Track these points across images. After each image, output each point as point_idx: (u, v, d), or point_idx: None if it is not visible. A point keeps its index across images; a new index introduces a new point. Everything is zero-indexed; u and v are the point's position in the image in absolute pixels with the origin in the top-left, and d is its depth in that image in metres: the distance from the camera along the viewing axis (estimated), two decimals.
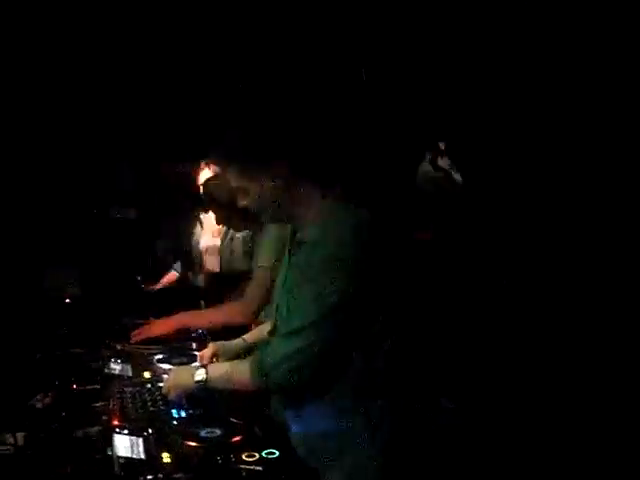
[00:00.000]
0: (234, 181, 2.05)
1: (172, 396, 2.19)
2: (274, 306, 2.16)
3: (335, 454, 1.97)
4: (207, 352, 2.37)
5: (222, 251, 3.85)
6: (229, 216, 3.12)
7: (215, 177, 3.22)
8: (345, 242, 1.88)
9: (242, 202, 2.08)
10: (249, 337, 2.51)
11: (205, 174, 4.00)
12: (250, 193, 2.03)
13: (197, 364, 2.25)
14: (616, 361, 3.19)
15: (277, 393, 2.07)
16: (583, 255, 3.36)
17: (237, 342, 2.46)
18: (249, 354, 2.27)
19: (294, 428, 2.04)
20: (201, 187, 3.27)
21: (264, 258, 2.87)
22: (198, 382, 2.07)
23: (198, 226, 4.36)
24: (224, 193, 3.00)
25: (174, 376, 2.25)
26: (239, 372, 2.04)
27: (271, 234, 2.86)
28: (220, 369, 2.13)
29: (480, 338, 3.65)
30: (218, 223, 3.29)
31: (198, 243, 4.30)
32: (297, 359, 1.88)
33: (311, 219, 2.00)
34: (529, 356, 3.48)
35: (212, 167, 4.03)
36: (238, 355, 2.38)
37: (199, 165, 4.15)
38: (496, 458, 3.24)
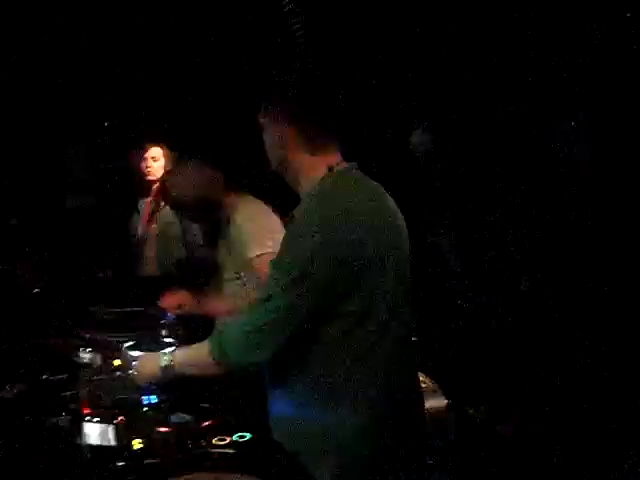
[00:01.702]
0: (260, 115, 2.06)
1: (141, 382, 2.19)
2: None
3: (318, 449, 1.93)
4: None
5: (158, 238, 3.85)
6: (193, 209, 3.09)
7: (172, 172, 3.20)
8: (314, 221, 1.86)
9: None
10: None
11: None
12: (266, 133, 2.05)
13: (166, 350, 2.24)
14: (616, 364, 3.17)
15: (238, 373, 2.07)
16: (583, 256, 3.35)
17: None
18: None
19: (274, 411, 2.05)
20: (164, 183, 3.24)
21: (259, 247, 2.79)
22: (163, 367, 2.08)
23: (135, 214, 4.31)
24: (186, 187, 3.00)
25: (142, 362, 2.25)
26: (202, 354, 2.01)
27: (258, 222, 2.86)
28: (185, 352, 2.14)
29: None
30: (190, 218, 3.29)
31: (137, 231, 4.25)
32: (254, 336, 1.88)
33: (308, 192, 1.99)
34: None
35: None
36: None
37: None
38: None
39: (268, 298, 1.87)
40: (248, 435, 1.95)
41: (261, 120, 2.06)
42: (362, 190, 2.00)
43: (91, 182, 4.56)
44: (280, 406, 1.99)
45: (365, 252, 1.87)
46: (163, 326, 3.05)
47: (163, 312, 3.16)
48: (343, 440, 1.89)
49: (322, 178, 1.96)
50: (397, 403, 1.96)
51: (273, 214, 2.94)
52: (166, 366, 2.08)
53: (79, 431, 1.95)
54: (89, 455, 1.83)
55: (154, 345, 2.74)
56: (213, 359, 1.95)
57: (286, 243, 1.91)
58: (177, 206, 3.15)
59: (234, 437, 1.94)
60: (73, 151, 4.69)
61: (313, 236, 1.82)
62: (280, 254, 1.91)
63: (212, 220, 3.07)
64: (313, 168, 1.98)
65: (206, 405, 2.16)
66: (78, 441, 1.90)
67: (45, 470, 1.77)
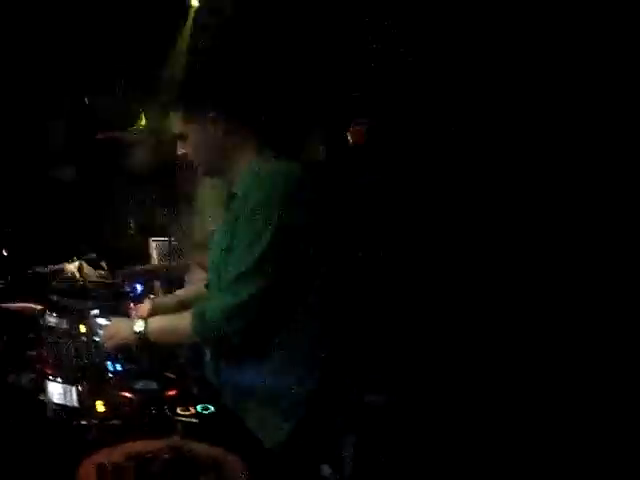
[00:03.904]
0: (177, 126, 2.09)
1: (110, 346, 2.18)
2: (209, 261, 2.21)
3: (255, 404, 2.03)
4: (144, 307, 2.36)
5: None
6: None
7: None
8: (275, 191, 1.93)
9: (182, 149, 2.12)
10: (182, 292, 2.51)
11: None
12: (190, 140, 2.07)
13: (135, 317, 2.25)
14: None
15: (217, 347, 2.09)
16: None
17: (171, 297, 2.46)
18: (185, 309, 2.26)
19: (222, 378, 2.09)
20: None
21: None
22: (137, 333, 2.08)
23: None
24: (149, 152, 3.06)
25: (113, 326, 2.25)
26: (183, 327, 2.04)
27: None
28: (161, 321, 2.14)
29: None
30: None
31: None
32: (235, 313, 1.92)
33: (244, 172, 2.05)
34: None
35: None
36: (175, 310, 2.37)
37: None
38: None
39: (239, 275, 1.94)
40: (211, 407, 1.95)
41: (182, 127, 2.08)
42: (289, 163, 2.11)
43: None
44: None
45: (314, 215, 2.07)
46: (131, 298, 3.05)
47: (132, 285, 3.17)
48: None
49: (256, 159, 2.06)
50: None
51: None
52: (140, 332, 2.07)
53: (42, 389, 1.94)
54: (51, 412, 1.81)
55: (121, 316, 2.74)
56: (196, 336, 2.00)
57: (249, 220, 1.95)
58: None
59: (198, 408, 1.94)
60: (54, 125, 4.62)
61: (282, 207, 1.93)
62: (246, 231, 1.96)
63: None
64: (246, 150, 2.07)
65: (171, 376, 2.15)
66: (41, 397, 1.88)
67: (6, 424, 1.75)
